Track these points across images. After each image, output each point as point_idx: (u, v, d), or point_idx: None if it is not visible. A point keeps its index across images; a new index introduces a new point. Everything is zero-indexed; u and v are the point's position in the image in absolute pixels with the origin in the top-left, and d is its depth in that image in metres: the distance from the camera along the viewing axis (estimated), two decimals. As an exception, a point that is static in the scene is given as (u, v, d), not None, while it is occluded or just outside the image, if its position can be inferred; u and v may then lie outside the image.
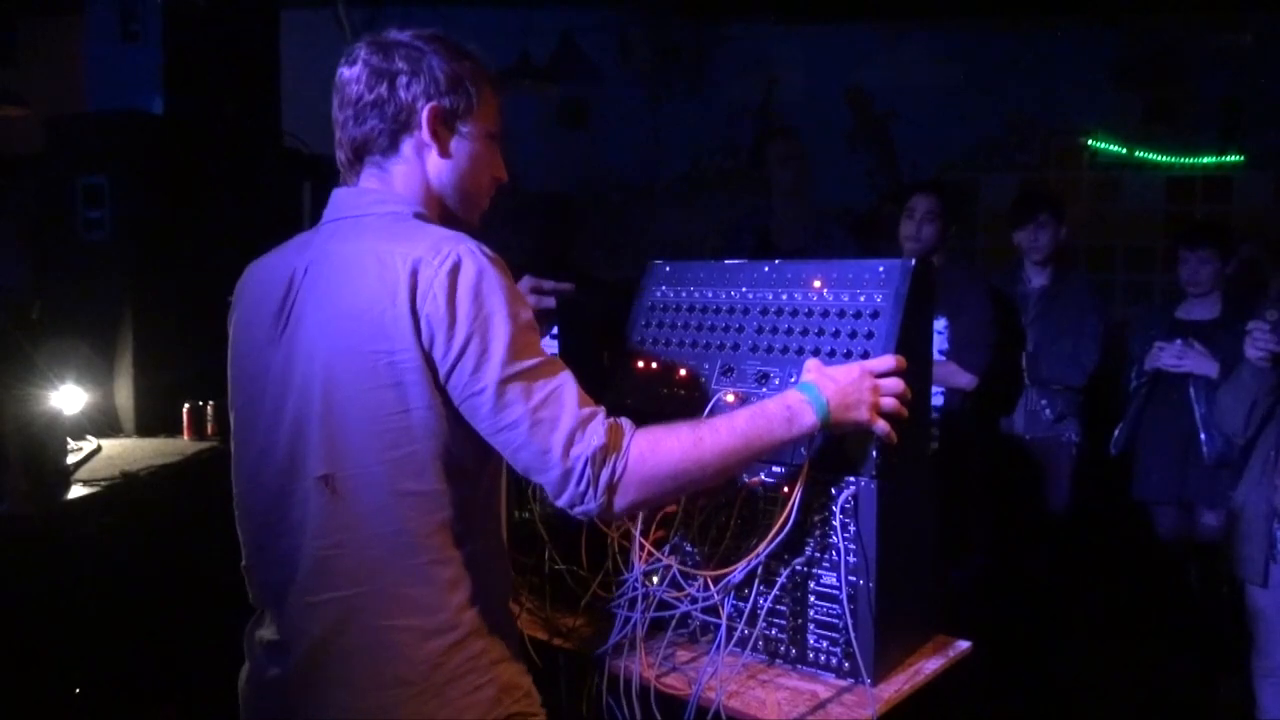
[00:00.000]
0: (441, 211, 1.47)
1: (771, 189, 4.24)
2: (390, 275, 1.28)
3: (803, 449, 1.53)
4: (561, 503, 1.30)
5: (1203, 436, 3.47)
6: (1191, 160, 5.69)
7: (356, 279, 1.32)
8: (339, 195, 1.47)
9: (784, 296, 1.72)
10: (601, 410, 1.32)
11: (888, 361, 1.50)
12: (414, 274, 1.27)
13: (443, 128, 1.42)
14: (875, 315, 1.60)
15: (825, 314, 1.66)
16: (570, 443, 1.27)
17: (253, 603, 1.49)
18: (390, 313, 1.27)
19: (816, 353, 1.63)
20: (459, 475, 1.35)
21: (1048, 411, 3.67)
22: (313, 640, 1.36)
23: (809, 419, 1.42)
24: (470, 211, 1.50)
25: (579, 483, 1.27)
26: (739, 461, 1.40)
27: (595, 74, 5.68)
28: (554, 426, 1.27)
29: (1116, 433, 3.68)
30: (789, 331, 1.68)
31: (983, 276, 3.70)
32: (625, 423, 1.33)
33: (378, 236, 1.35)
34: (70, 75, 4.29)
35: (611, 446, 1.28)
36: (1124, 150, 5.71)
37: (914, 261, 1.60)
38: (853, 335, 1.60)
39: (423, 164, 1.44)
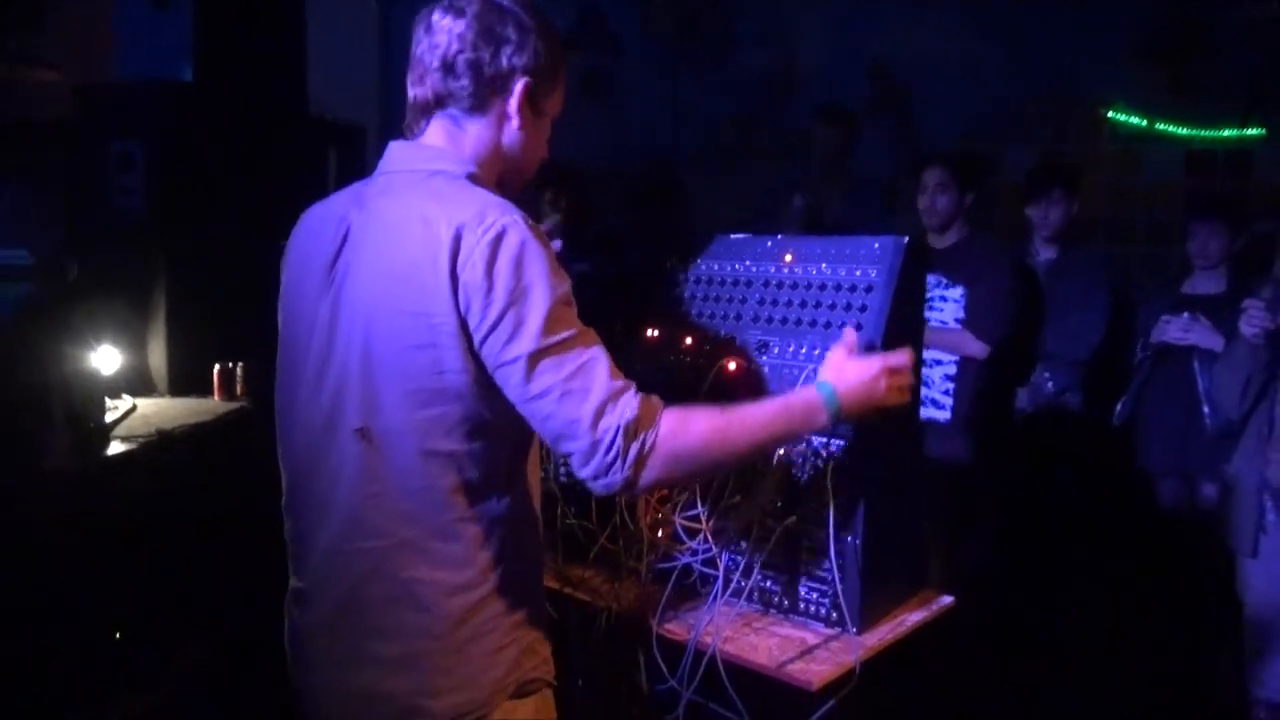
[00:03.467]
0: (496, 178, 1.49)
1: (817, 164, 4.30)
2: (433, 239, 1.30)
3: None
4: (586, 473, 1.31)
5: (1206, 409, 3.51)
6: (1212, 133, 5.66)
7: (403, 239, 1.33)
8: (395, 149, 1.48)
9: (784, 270, 1.81)
10: (633, 385, 1.34)
11: (904, 358, 1.55)
12: (457, 239, 1.29)
13: (527, 103, 1.45)
14: (869, 289, 1.69)
15: (823, 287, 1.75)
16: (600, 414, 1.28)
17: (288, 543, 1.54)
18: (431, 276, 1.29)
19: (813, 324, 1.72)
20: (489, 438, 1.37)
21: (1050, 385, 3.72)
22: (342, 588, 1.41)
23: (822, 418, 1.46)
24: (519, 183, 1.54)
25: (608, 452, 1.28)
26: (758, 450, 1.47)
27: (616, 44, 5.72)
28: (584, 398, 1.29)
29: (1120, 405, 3.73)
30: (788, 304, 1.78)
31: (1007, 248, 3.72)
32: (656, 399, 1.34)
33: (427, 197, 1.36)
34: (97, 41, 4.37)
35: (644, 420, 1.30)
36: (1145, 123, 5.69)
37: (905, 239, 1.69)
38: (848, 308, 1.70)
39: (498, 131, 1.46)
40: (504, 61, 1.42)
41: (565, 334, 1.31)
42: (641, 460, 1.29)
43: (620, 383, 1.33)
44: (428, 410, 1.33)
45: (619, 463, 1.28)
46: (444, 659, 1.37)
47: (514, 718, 1.42)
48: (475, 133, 1.44)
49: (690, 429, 1.34)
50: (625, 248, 4.19)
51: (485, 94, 1.42)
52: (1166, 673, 3.53)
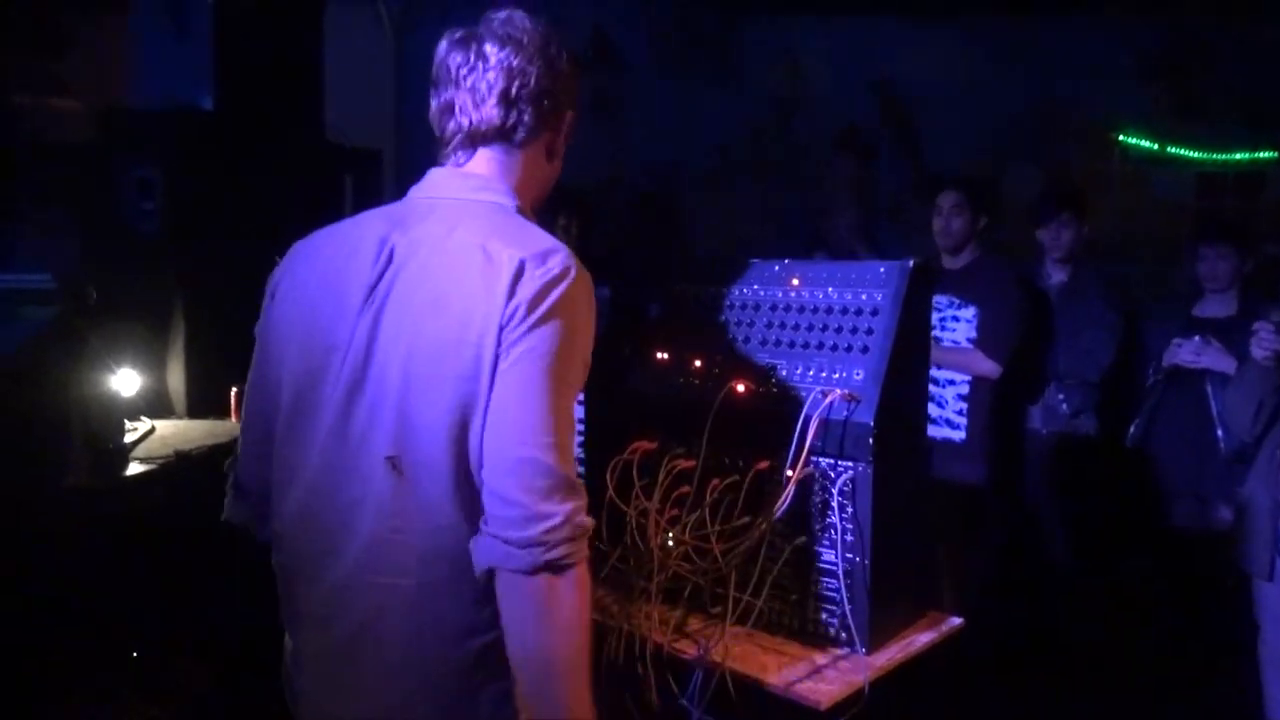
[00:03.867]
0: (529, 205, 1.47)
1: (832, 192, 4.34)
2: (495, 270, 1.27)
3: (808, 436, 1.65)
4: (512, 534, 1.23)
5: (1219, 431, 3.51)
6: (1223, 156, 5.67)
7: (461, 267, 1.30)
8: (437, 175, 1.45)
9: (792, 294, 1.84)
10: (582, 495, 1.29)
11: None
12: (519, 271, 1.27)
13: (567, 136, 1.49)
14: (875, 313, 1.71)
15: (830, 311, 1.77)
16: (559, 493, 1.24)
17: (276, 567, 1.48)
18: (485, 304, 1.26)
19: (820, 347, 1.75)
20: None
21: (1065, 406, 3.73)
22: (354, 620, 1.36)
23: None
24: (537, 206, 1.52)
25: (549, 531, 1.22)
26: (559, 680, 1.28)
27: (624, 65, 5.78)
28: (553, 469, 1.24)
29: (1132, 428, 3.73)
30: (796, 327, 1.80)
31: (1017, 270, 3.77)
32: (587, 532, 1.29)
33: (488, 231, 1.33)
34: (118, 68, 4.45)
35: (586, 535, 1.27)
36: (1155, 146, 5.70)
37: (910, 263, 1.72)
38: (854, 331, 1.72)
39: (543, 162, 1.48)
40: (561, 97, 1.43)
41: (562, 398, 1.28)
42: (564, 564, 1.24)
43: (576, 479, 1.29)
44: (465, 442, 1.29)
45: (542, 549, 1.22)
46: (458, 698, 1.35)
47: None
48: (523, 163, 1.44)
49: (587, 597, 1.29)
50: (632, 270, 4.22)
51: (541, 127, 1.43)
52: (1180, 696, 3.51)
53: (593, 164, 5.90)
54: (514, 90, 1.38)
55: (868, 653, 1.65)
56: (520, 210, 1.42)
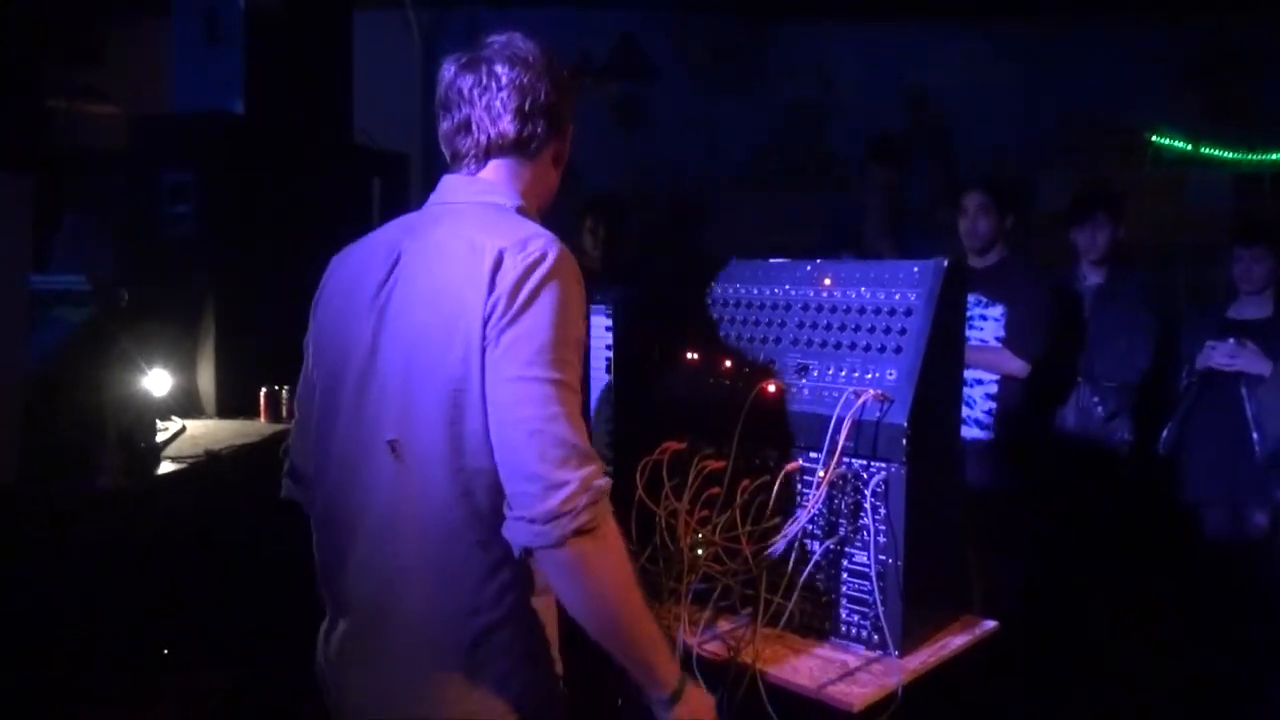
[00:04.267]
0: (534, 208, 1.56)
1: (866, 201, 4.33)
2: (478, 259, 1.35)
3: (840, 437, 1.64)
4: (535, 511, 1.28)
5: (1255, 436, 3.47)
6: (1260, 157, 5.59)
7: (449, 260, 1.39)
8: (449, 181, 1.55)
9: (824, 294, 1.83)
10: (597, 461, 1.33)
11: None
12: (499, 259, 1.34)
13: (568, 144, 1.59)
14: (909, 313, 1.70)
15: (863, 311, 1.76)
16: (569, 463, 1.29)
17: (317, 555, 1.56)
18: (472, 293, 1.34)
19: (853, 347, 1.73)
20: None
21: (1100, 409, 3.69)
22: (369, 601, 1.45)
23: (667, 690, 1.42)
24: (544, 210, 1.61)
25: (566, 500, 1.27)
26: (630, 631, 1.38)
27: (652, 73, 5.78)
28: (560, 441, 1.29)
29: (1165, 432, 3.68)
30: (828, 327, 1.79)
31: (1044, 269, 3.76)
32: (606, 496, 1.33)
33: (477, 225, 1.42)
34: (153, 75, 4.50)
35: (605, 497, 1.31)
36: (1189, 147, 5.63)
37: (945, 262, 1.70)
38: (887, 331, 1.71)
39: (550, 170, 1.58)
40: (566, 110, 1.54)
41: (560, 374, 1.33)
42: (589, 528, 1.28)
43: (589, 449, 1.33)
44: (456, 426, 1.36)
45: (568, 518, 1.27)
46: (456, 677, 1.40)
47: None
48: (531, 172, 1.54)
49: (625, 549, 1.36)
50: (661, 272, 4.22)
51: (551, 138, 1.53)
52: (1214, 703, 3.45)
53: (621, 171, 5.91)
54: (527, 105, 1.49)
55: (901, 655, 1.63)
56: (520, 210, 1.50)
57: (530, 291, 1.33)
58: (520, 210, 1.50)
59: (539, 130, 1.50)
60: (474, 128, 1.49)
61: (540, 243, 1.37)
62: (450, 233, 1.44)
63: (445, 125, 1.53)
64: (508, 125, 1.48)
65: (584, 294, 1.41)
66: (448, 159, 1.56)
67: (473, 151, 1.51)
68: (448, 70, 1.52)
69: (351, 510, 1.46)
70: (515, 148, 1.50)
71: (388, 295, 1.45)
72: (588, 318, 1.46)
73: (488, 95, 1.48)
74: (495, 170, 1.52)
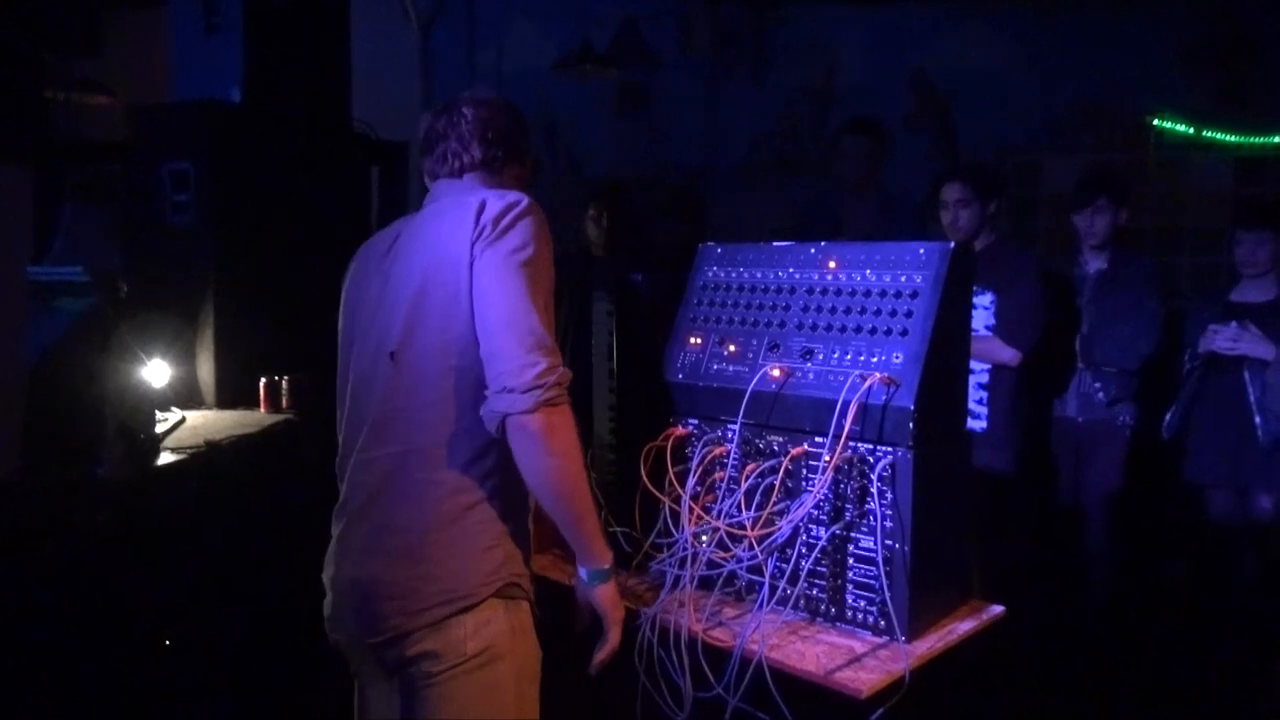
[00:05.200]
0: None
1: (841, 179, 4.26)
2: (466, 207, 1.66)
3: (846, 420, 1.62)
4: (511, 383, 1.55)
5: (1258, 419, 3.46)
6: (1262, 140, 5.56)
7: (443, 217, 1.71)
8: (442, 184, 1.86)
9: (829, 277, 1.80)
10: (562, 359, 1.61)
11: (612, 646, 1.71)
12: (484, 203, 1.65)
13: (529, 170, 1.92)
14: (914, 295, 1.68)
15: (868, 294, 1.74)
16: (535, 350, 1.56)
17: (337, 468, 1.81)
18: (461, 230, 1.64)
19: (858, 330, 1.71)
20: None
21: (1101, 395, 3.67)
22: (367, 490, 1.70)
23: (606, 558, 1.70)
24: None
25: (537, 377, 1.54)
26: (574, 504, 1.64)
27: (655, 60, 5.74)
28: (526, 333, 1.57)
29: (1168, 416, 3.67)
30: (833, 310, 1.77)
31: (1034, 255, 3.69)
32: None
33: (462, 195, 1.74)
34: (151, 65, 4.48)
35: (566, 385, 1.59)
36: (1191, 130, 5.60)
37: (952, 245, 1.68)
38: (893, 314, 1.69)
39: (515, 185, 1.85)
40: (521, 140, 1.88)
41: (533, 285, 1.61)
42: (555, 402, 1.56)
43: (556, 345, 1.62)
44: (447, 333, 1.64)
45: (540, 390, 1.55)
46: (438, 550, 1.63)
47: (487, 615, 1.64)
48: (501, 183, 1.85)
49: (576, 430, 1.62)
50: (665, 257, 4.21)
51: (509, 159, 1.86)
52: (1216, 687, 3.45)
53: (624, 158, 5.89)
54: (489, 134, 1.83)
55: (908, 641, 1.62)
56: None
57: (510, 220, 1.63)
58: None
59: (500, 153, 1.83)
60: (450, 155, 1.83)
61: (516, 195, 1.69)
62: (439, 207, 1.78)
63: (427, 160, 1.87)
64: (475, 149, 1.82)
65: (551, 243, 1.68)
66: (427, 182, 1.89)
67: (453, 170, 1.84)
68: (426, 119, 1.88)
69: (361, 415, 1.75)
70: (483, 164, 1.83)
71: (392, 258, 1.78)
72: (558, 266, 1.71)
73: (458, 129, 1.83)
74: (471, 179, 1.84)
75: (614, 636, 1.70)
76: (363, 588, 1.68)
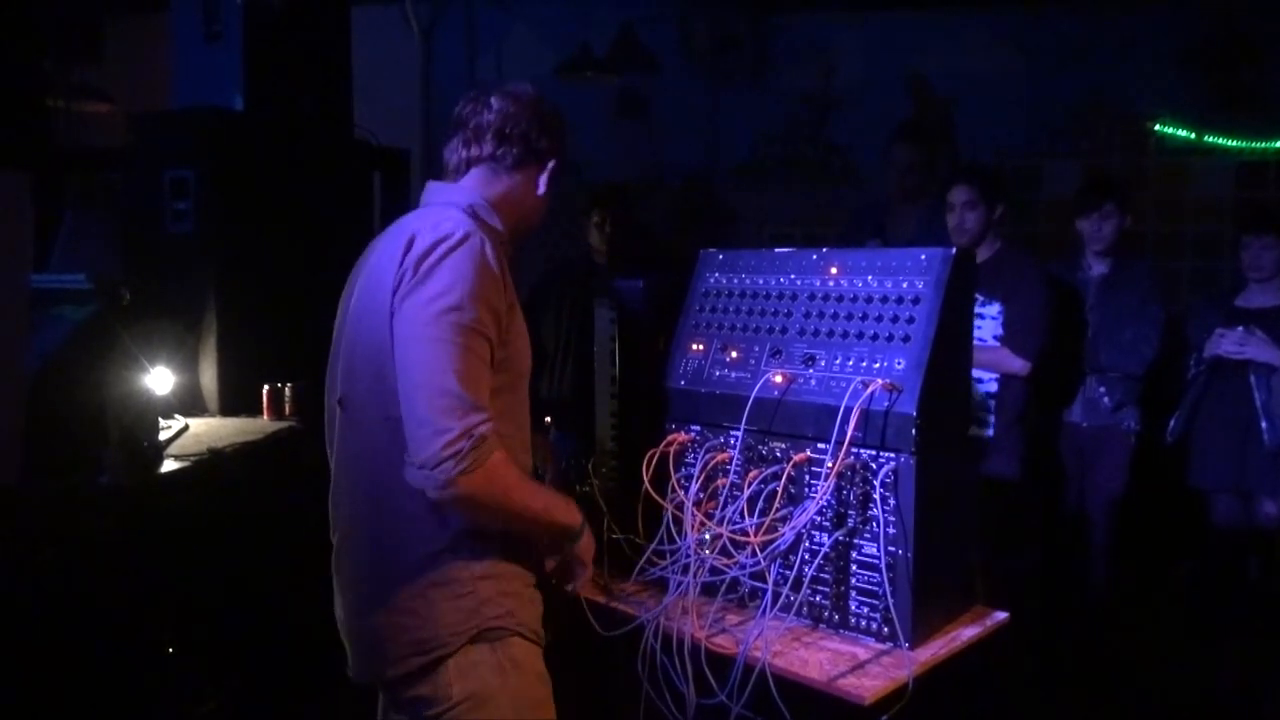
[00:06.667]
0: (512, 225, 1.77)
1: (891, 186, 4.27)
2: (400, 242, 1.60)
3: (849, 427, 1.62)
4: (421, 457, 1.48)
5: (1264, 424, 3.45)
6: (1264, 145, 5.55)
7: (382, 249, 1.67)
8: (432, 187, 1.81)
9: (830, 283, 1.80)
10: (486, 411, 1.52)
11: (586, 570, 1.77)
12: (412, 239, 1.58)
13: (551, 178, 1.81)
14: (916, 301, 1.68)
15: (870, 300, 1.74)
16: (456, 412, 1.47)
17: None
18: (389, 271, 1.59)
19: (860, 336, 1.71)
20: None
21: (1106, 400, 3.67)
22: (341, 531, 1.72)
23: (574, 528, 1.71)
24: (525, 235, 1.84)
25: (447, 446, 1.46)
26: (539, 518, 1.66)
27: (655, 65, 5.75)
28: (448, 393, 1.48)
29: (1173, 421, 3.66)
30: (835, 316, 1.77)
31: (1039, 263, 3.68)
32: (492, 439, 1.52)
33: (419, 219, 1.67)
34: (152, 72, 4.49)
35: (489, 440, 1.49)
36: (1192, 135, 5.59)
37: (954, 250, 1.68)
38: (895, 320, 1.69)
39: (527, 191, 1.79)
40: (544, 142, 1.78)
41: (455, 335, 1.52)
42: (471, 470, 1.47)
43: (482, 401, 1.52)
44: (381, 383, 1.59)
45: (451, 462, 1.46)
46: (406, 600, 1.60)
47: (472, 659, 1.61)
48: (506, 185, 1.77)
49: (511, 471, 1.56)
50: (669, 264, 4.20)
51: (522, 160, 1.77)
52: (1220, 694, 3.44)
53: (623, 163, 5.89)
54: (507, 129, 1.75)
55: (911, 647, 1.62)
56: (471, 208, 1.70)
57: (432, 263, 1.55)
58: (471, 208, 1.70)
59: (513, 150, 1.75)
60: (461, 144, 1.77)
61: (450, 225, 1.59)
62: (399, 228, 1.69)
63: (445, 146, 1.81)
64: (488, 143, 1.75)
65: (494, 273, 1.59)
66: (442, 170, 1.82)
67: (458, 163, 1.78)
68: (460, 103, 1.81)
69: (336, 465, 1.75)
70: (490, 159, 1.76)
71: (354, 281, 1.74)
72: (508, 291, 1.63)
73: (478, 118, 1.77)
74: (472, 177, 1.77)
75: (588, 572, 1.77)
76: (349, 631, 1.71)
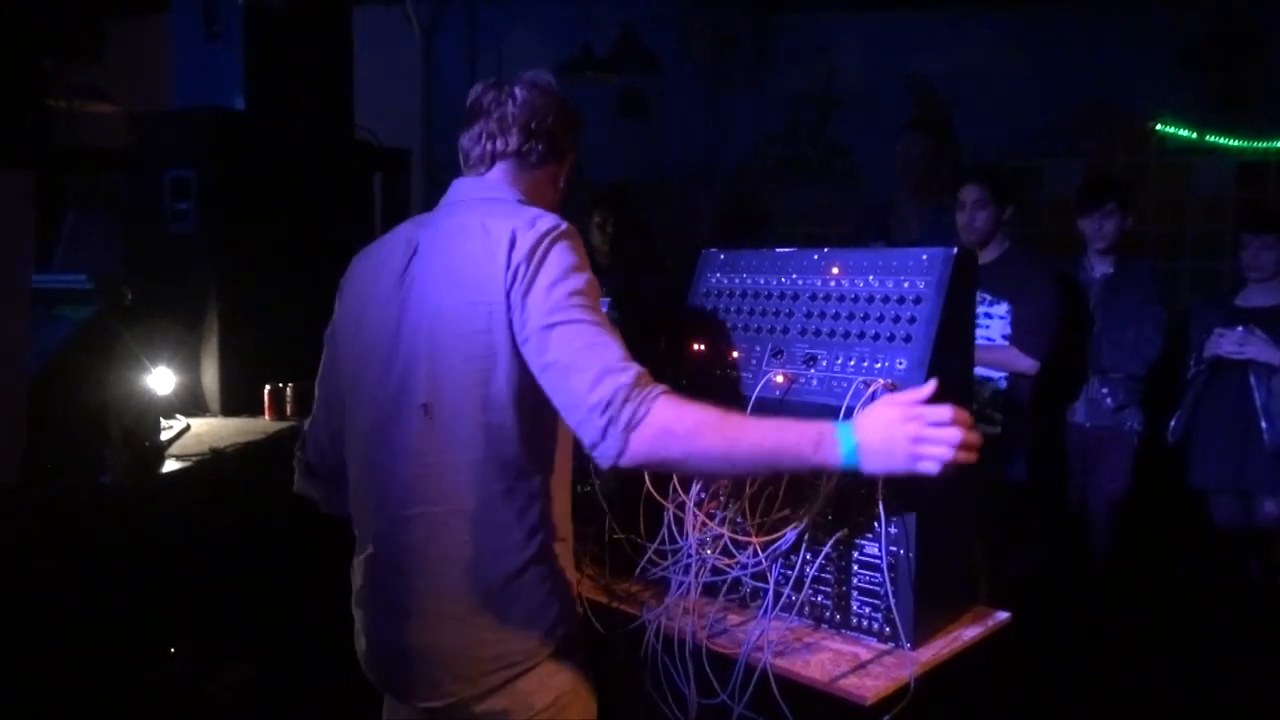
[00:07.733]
0: None
1: (898, 175, 4.26)
2: (495, 239, 1.54)
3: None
4: (587, 439, 1.41)
5: (1264, 424, 3.45)
6: (1265, 145, 5.55)
7: (467, 242, 1.59)
8: (460, 182, 1.76)
9: (831, 283, 1.80)
10: (639, 367, 1.44)
11: (948, 411, 1.44)
12: (514, 236, 1.53)
13: (571, 171, 1.82)
14: (918, 301, 1.68)
15: (871, 300, 1.74)
16: (600, 381, 1.40)
17: (354, 524, 1.73)
18: (489, 267, 1.53)
19: (862, 336, 1.71)
20: (532, 415, 1.55)
21: (1109, 400, 3.67)
22: (406, 550, 1.60)
23: (834, 454, 1.42)
24: None
25: (603, 415, 1.37)
26: (755, 458, 1.44)
27: (656, 65, 5.75)
28: (588, 370, 1.42)
29: (1174, 421, 3.66)
30: (836, 316, 1.77)
31: (1049, 262, 3.69)
32: (660, 385, 1.43)
33: (487, 214, 1.62)
34: (153, 71, 4.48)
35: (639, 387, 1.40)
36: (1194, 135, 5.59)
37: (955, 250, 1.68)
38: (896, 320, 1.69)
39: (548, 186, 1.79)
40: (567, 137, 1.77)
41: (581, 315, 1.48)
42: (632, 426, 1.37)
43: (627, 362, 1.44)
44: (483, 388, 1.54)
45: (612, 427, 1.38)
46: (491, 617, 1.56)
47: (549, 668, 1.60)
48: (533, 180, 1.76)
49: (686, 412, 1.41)
50: (667, 263, 4.21)
51: (551, 156, 1.75)
52: (1220, 694, 3.44)
53: (625, 164, 5.89)
54: (534, 124, 1.71)
55: (913, 648, 1.62)
56: (521, 201, 1.69)
57: (541, 254, 1.51)
58: (521, 202, 1.69)
59: (539, 147, 1.72)
60: (485, 136, 1.72)
61: (547, 219, 1.57)
62: (462, 221, 1.63)
63: (465, 134, 1.75)
64: (514, 136, 1.70)
65: (584, 252, 1.58)
66: (461, 163, 1.77)
67: (482, 156, 1.73)
68: (477, 89, 1.76)
69: (383, 470, 1.63)
70: (516, 155, 1.72)
71: (410, 281, 1.64)
72: (599, 289, 1.59)
73: (502, 109, 1.71)
74: (499, 171, 1.73)
75: (952, 432, 1.42)
76: (413, 654, 1.61)
